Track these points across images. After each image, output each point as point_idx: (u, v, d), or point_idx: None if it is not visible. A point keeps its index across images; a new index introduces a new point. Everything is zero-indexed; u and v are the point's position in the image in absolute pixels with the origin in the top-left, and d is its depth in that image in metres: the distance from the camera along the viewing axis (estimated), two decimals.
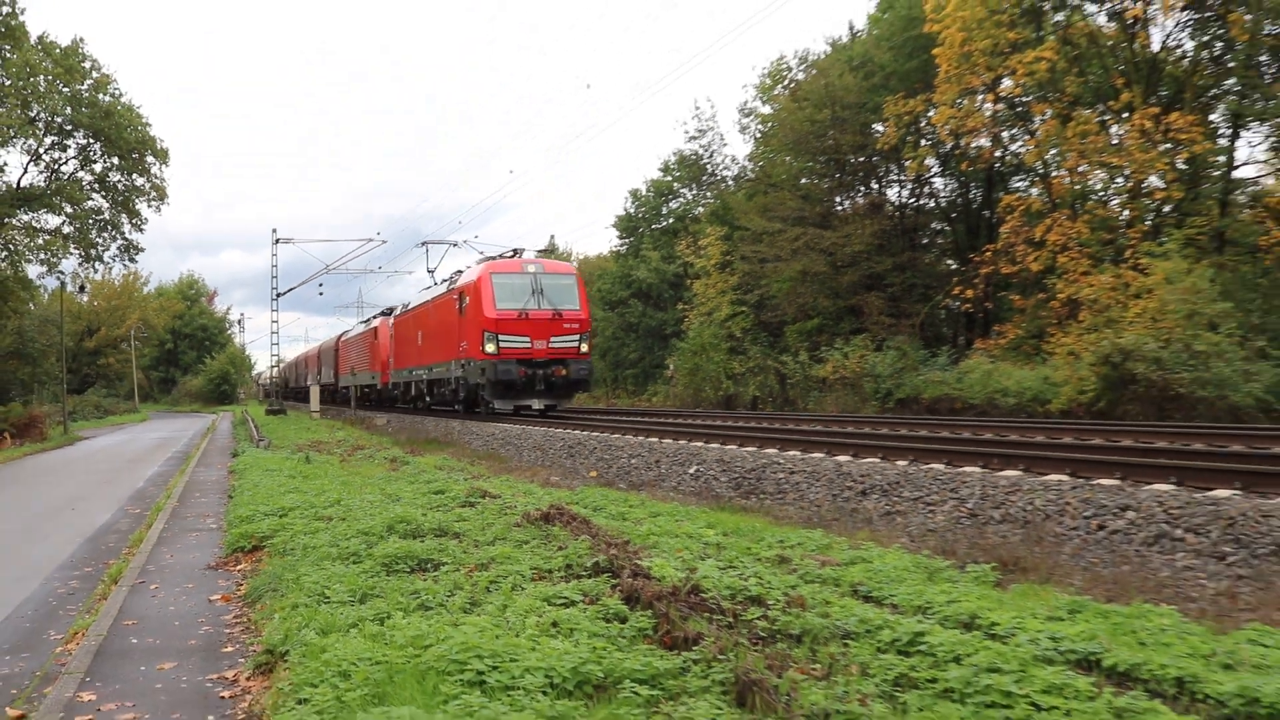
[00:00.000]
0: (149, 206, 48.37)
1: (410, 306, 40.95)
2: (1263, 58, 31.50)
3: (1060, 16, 34.60)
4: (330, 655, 5.57)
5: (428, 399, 38.15)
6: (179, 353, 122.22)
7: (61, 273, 49.33)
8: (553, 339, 28.79)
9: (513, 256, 31.44)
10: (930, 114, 36.53)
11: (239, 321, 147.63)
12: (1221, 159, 32.31)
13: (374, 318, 52.00)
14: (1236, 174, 33.28)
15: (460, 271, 34.30)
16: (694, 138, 52.65)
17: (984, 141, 37.57)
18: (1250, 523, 8.32)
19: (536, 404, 29.45)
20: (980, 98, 36.28)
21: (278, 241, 59.84)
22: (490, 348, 28.33)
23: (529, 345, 28.48)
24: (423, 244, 45.68)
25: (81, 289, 55.55)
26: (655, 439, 18.46)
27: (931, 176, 42.30)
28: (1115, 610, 6.49)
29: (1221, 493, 9.24)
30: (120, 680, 6.48)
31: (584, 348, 29.40)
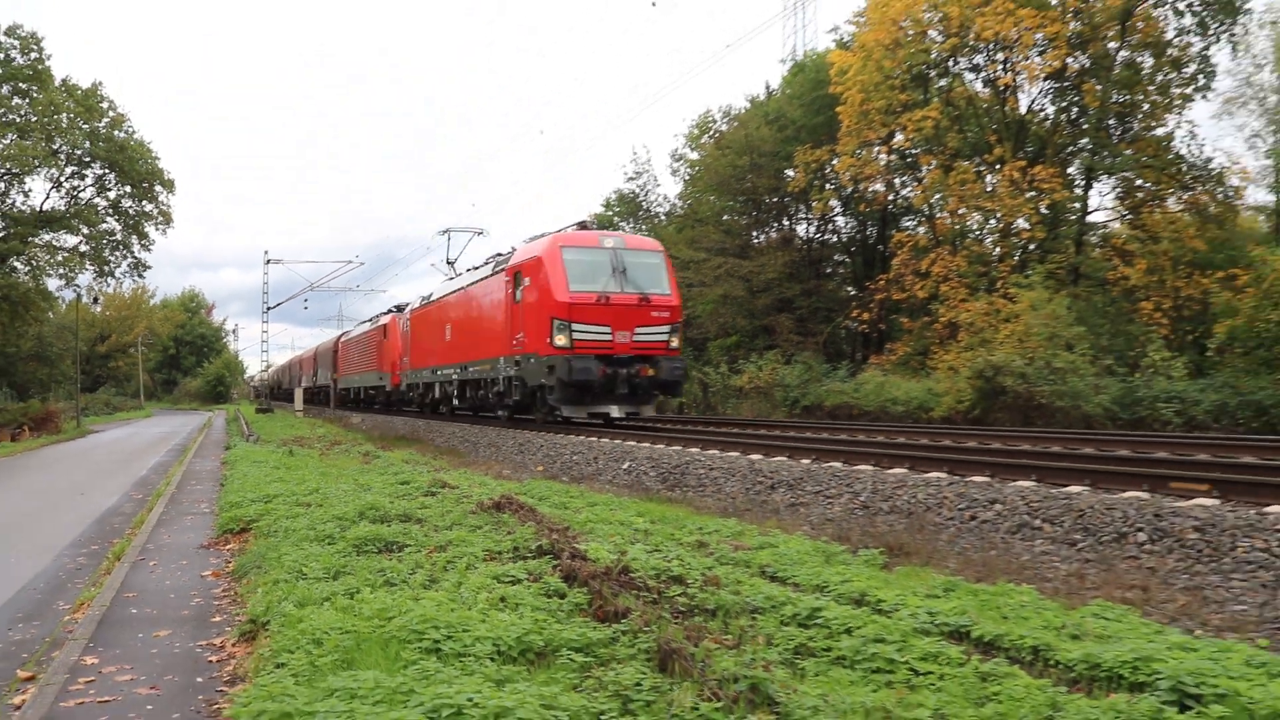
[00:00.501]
0: (156, 229, 47.80)
1: (433, 298, 31.79)
2: (1110, 121, 32.18)
3: (943, 82, 35.18)
4: (306, 625, 5.49)
5: (455, 403, 28.64)
6: (180, 357, 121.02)
7: (78, 286, 48.82)
8: (638, 331, 20.38)
9: (580, 229, 22.56)
10: (834, 162, 36.80)
11: (233, 331, 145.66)
12: (1077, 205, 32.99)
13: (381, 315, 43.30)
14: (1089, 219, 34.00)
15: (508, 251, 24.88)
16: (632, 179, 52.49)
17: (879, 187, 37.98)
18: (1097, 514, 8.43)
19: (615, 411, 20.91)
20: (876, 149, 36.68)
21: (269, 262, 59.26)
22: (560, 340, 19.79)
23: (609, 338, 20.10)
24: (444, 232, 35.64)
25: (95, 301, 54.90)
26: (594, 438, 18.39)
27: (834, 215, 42.69)
28: (983, 589, 6.55)
29: (1074, 489, 9.36)
30: (120, 646, 6.34)
31: (674, 342, 20.78)
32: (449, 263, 35.69)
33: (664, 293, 20.78)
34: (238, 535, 10.74)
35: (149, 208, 47.08)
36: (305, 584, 6.89)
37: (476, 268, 27.65)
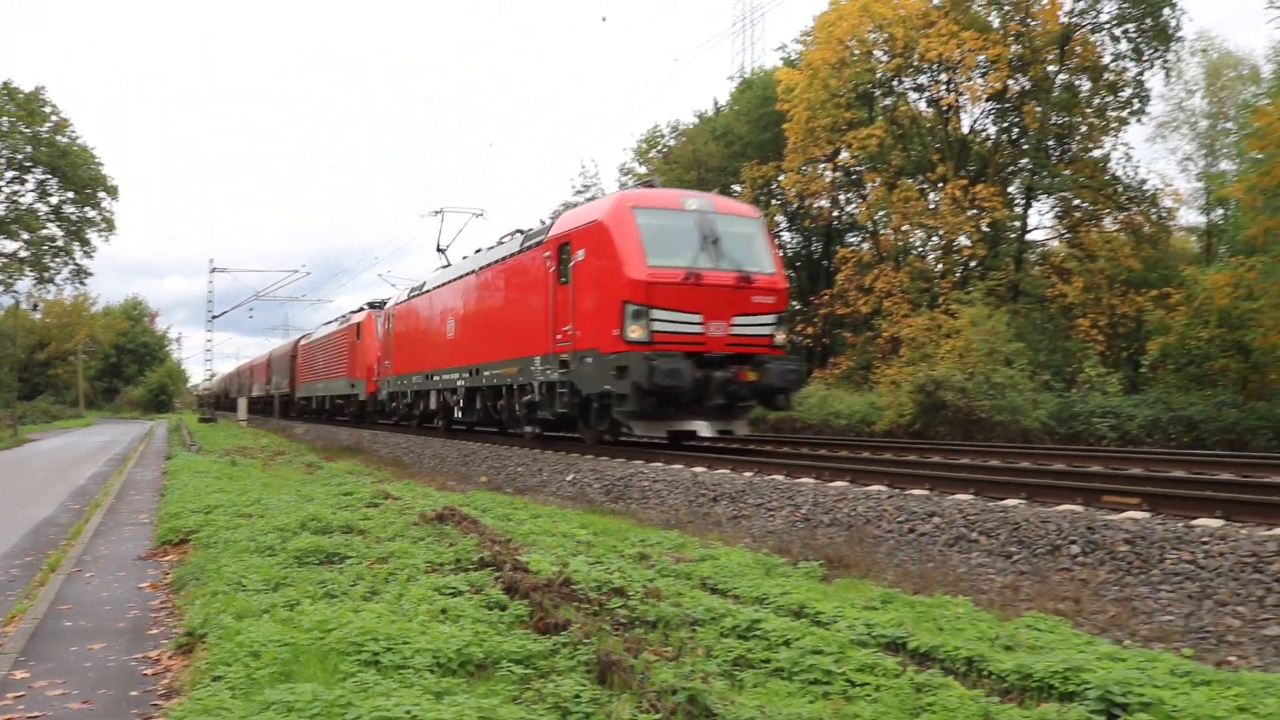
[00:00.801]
0: (99, 236, 47.11)
1: (427, 288, 26.47)
2: (1050, 142, 32.79)
3: (888, 101, 35.62)
4: (244, 637, 5.41)
5: (458, 415, 23.63)
6: (122, 366, 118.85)
7: (16, 292, 47.87)
8: (735, 321, 15.50)
9: (650, 186, 17.85)
10: (780, 178, 37.14)
11: (177, 340, 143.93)
12: (1017, 224, 33.55)
13: (353, 314, 37.82)
14: (1029, 237, 34.64)
15: (547, 220, 19.67)
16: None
17: (824, 203, 38.36)
18: (1032, 527, 8.56)
19: (706, 429, 16.04)
20: (821, 166, 37.06)
21: (214, 270, 58.47)
22: (635, 332, 14.86)
23: (700, 330, 15.24)
24: (437, 212, 30.08)
25: (35, 307, 53.82)
26: (538, 450, 18.36)
27: (780, 231, 42.94)
28: (920, 601, 6.61)
29: (1011, 502, 9.50)
30: (52, 660, 6.20)
31: (779, 338, 16.14)
32: (439, 250, 30.39)
33: (767, 271, 16.08)
34: (177, 546, 10.56)
35: (91, 214, 46.41)
36: (244, 596, 6.79)
37: (491, 247, 22.05)
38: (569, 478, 15.53)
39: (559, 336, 16.96)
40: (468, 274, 22.73)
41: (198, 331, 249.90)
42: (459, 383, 22.80)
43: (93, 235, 46.46)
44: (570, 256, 16.71)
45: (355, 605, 6.18)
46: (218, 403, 78.96)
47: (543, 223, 19.51)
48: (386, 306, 31.88)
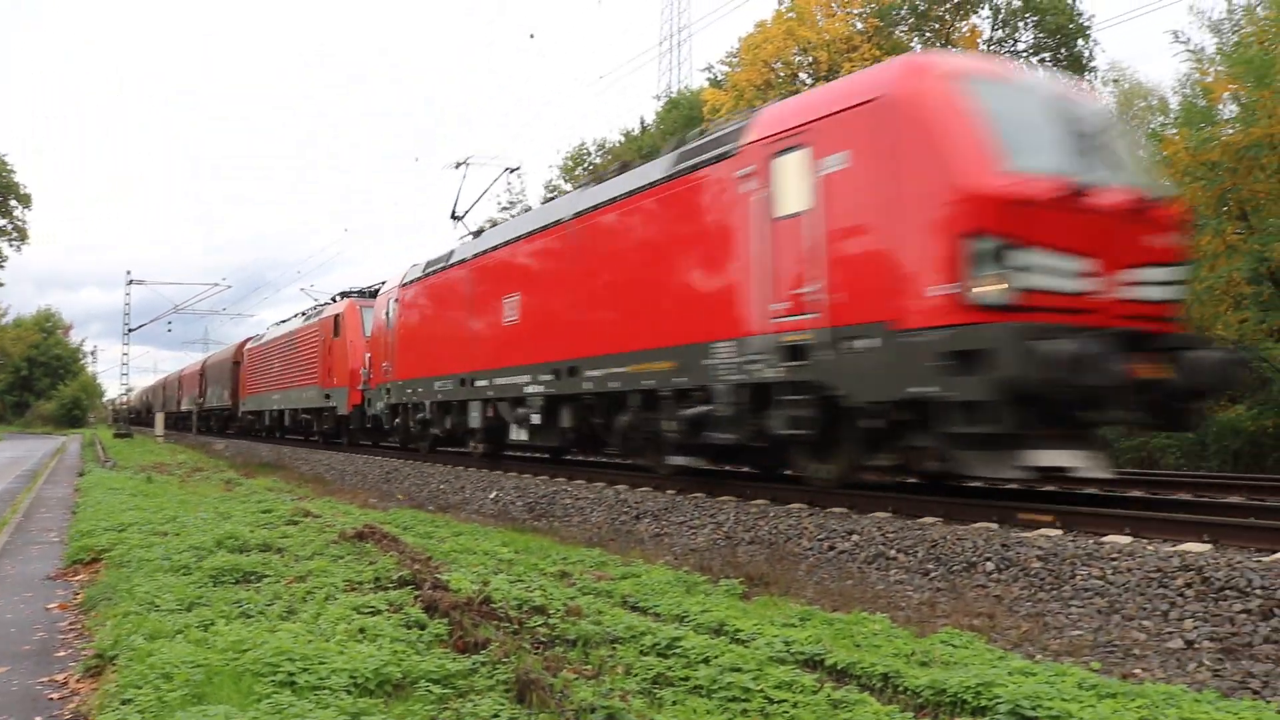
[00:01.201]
0: (10, 245, 45.85)
1: (459, 258, 19.64)
2: None
3: None
4: (156, 659, 5.29)
5: (521, 436, 16.60)
6: (34, 379, 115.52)
7: None
8: (1132, 275, 9.14)
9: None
10: None
11: (92, 353, 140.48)
12: None
13: (324, 305, 30.28)
14: None
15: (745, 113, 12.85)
16: (505, 208, 52.39)
17: None
18: (949, 544, 8.69)
19: (1087, 464, 9.14)
20: None
21: (130, 282, 57.19)
22: (989, 287, 8.43)
23: (1088, 287, 8.84)
24: (459, 164, 23.28)
25: None
26: (461, 467, 18.21)
27: None
28: (838, 618, 6.68)
29: (928, 519, 9.64)
30: None
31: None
32: (455, 217, 23.73)
33: (1162, 194, 9.96)
34: (88, 565, 10.29)
35: (2, 223, 45.25)
36: (157, 616, 6.64)
37: (602, 179, 15.59)
38: (492, 495, 15.44)
39: (780, 306, 10.61)
40: (550, 226, 15.90)
41: (114, 345, 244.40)
42: (531, 389, 15.77)
43: (3, 245, 45.35)
44: (810, 168, 10.26)
45: (272, 625, 6.09)
46: (138, 418, 76.68)
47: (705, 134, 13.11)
48: (385, 289, 24.38)
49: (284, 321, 36.37)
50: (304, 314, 33.22)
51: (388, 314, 23.32)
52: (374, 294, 26.93)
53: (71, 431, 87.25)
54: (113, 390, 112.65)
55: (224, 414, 44.15)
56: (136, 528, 11.51)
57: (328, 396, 27.95)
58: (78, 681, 6.05)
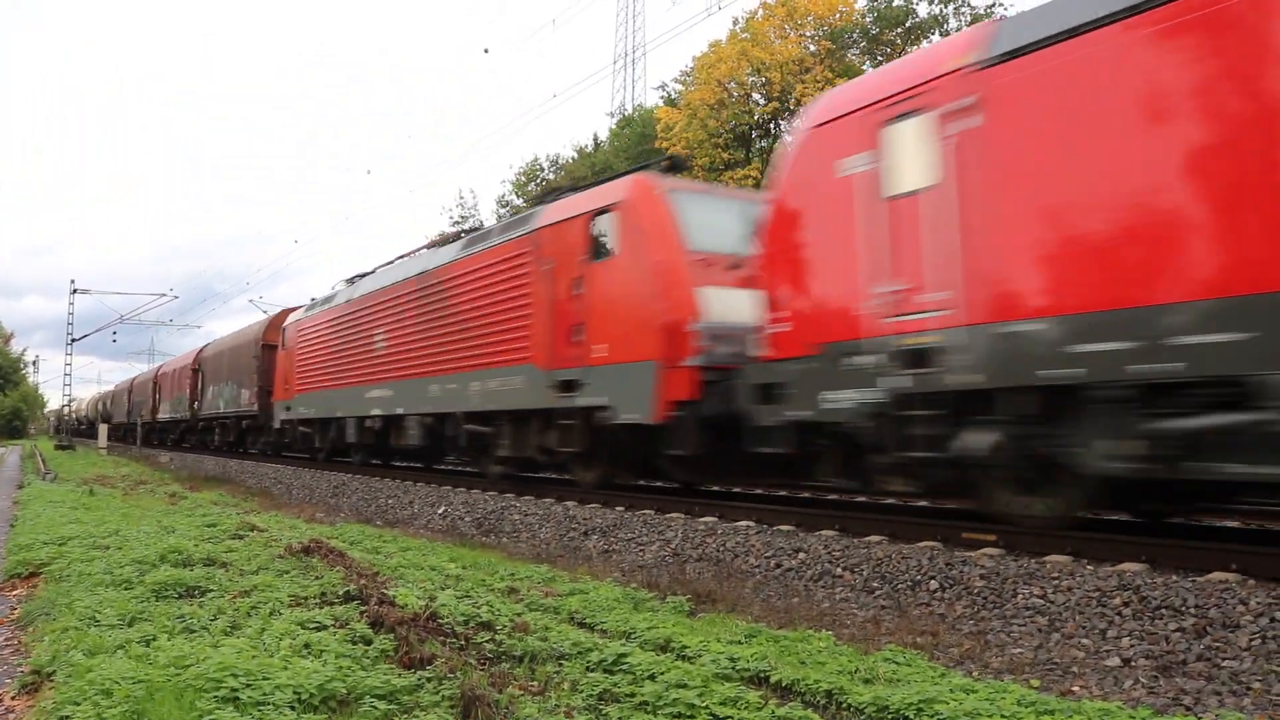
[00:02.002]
0: None
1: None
2: None
3: (765, 143, 36.36)
4: (95, 675, 5.23)
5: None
6: None
7: None
8: None
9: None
10: None
11: (34, 363, 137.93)
12: None
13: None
14: None
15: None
16: (457, 223, 52.27)
17: None
18: (894, 563, 8.80)
19: None
20: None
21: (74, 291, 56.31)
22: None
23: None
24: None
25: None
26: (410, 482, 18.13)
27: None
28: (784, 635, 6.74)
29: (874, 538, 9.74)
30: None
31: None
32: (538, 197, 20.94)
33: None
34: (26, 580, 10.11)
35: None
36: (98, 631, 6.56)
37: None
38: (440, 510, 15.37)
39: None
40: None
41: (58, 354, 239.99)
42: (379, 410, 19.63)
43: None
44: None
45: (215, 640, 6.03)
46: (76, 429, 74.34)
47: None
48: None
49: (349, 281, 31.97)
50: (353, 279, 29.84)
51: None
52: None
53: (11, 443, 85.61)
54: (55, 400, 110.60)
55: (188, 424, 42.09)
56: (77, 541, 11.33)
57: (385, 400, 27.48)
58: (13, 699, 5.96)
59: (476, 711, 4.65)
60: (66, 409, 69.54)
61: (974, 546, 8.99)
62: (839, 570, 9.16)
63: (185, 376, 41.55)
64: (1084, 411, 7.88)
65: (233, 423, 33.70)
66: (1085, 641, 6.83)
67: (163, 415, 47.43)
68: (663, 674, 5.45)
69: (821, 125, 10.28)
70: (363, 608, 6.86)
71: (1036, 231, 8.12)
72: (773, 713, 4.88)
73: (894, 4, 32.93)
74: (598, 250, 13.34)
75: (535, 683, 5.42)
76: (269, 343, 29.34)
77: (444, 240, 19.41)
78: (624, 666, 5.69)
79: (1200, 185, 7.16)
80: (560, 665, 5.82)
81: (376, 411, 19.68)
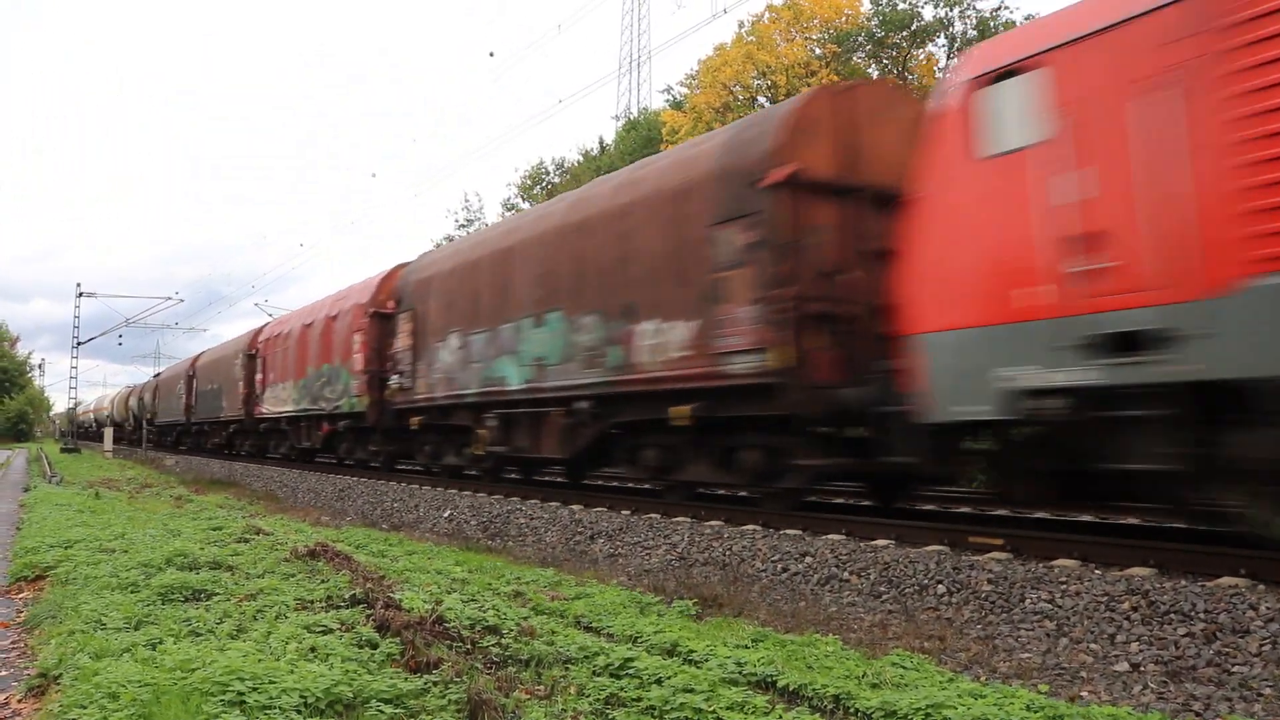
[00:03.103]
0: None
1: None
2: None
3: None
4: (101, 678, 5.22)
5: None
6: None
7: None
8: None
9: None
10: None
11: (39, 366, 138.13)
12: None
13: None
14: None
15: None
16: (463, 225, 52.29)
17: None
18: (901, 567, 8.78)
19: None
20: None
21: (80, 295, 56.44)
22: None
23: None
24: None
25: None
26: (416, 485, 18.12)
27: None
28: (791, 639, 6.73)
29: (880, 542, 9.72)
30: None
31: None
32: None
33: None
34: (32, 583, 10.12)
35: None
36: (104, 634, 6.56)
37: None
38: (446, 514, 15.37)
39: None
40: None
41: (64, 358, 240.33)
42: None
43: None
44: None
45: (221, 644, 6.02)
46: (77, 433, 73.98)
47: None
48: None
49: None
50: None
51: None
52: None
53: (17, 446, 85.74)
54: (61, 404, 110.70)
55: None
56: (83, 544, 11.34)
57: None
58: (20, 701, 5.96)
59: (483, 715, 4.65)
60: (74, 409, 68.90)
61: (981, 550, 8.97)
62: (846, 574, 9.14)
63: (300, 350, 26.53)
64: None
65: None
66: (1094, 646, 6.80)
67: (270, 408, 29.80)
68: (669, 678, 5.44)
69: None
70: (369, 611, 6.86)
71: None
72: (780, 717, 4.88)
73: (899, 7, 32.89)
74: None
75: (542, 687, 5.42)
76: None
77: None
78: (630, 670, 5.68)
79: None
80: (567, 669, 5.81)
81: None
